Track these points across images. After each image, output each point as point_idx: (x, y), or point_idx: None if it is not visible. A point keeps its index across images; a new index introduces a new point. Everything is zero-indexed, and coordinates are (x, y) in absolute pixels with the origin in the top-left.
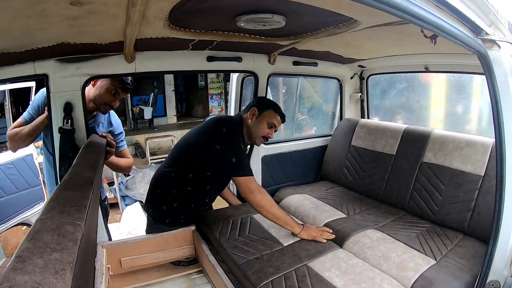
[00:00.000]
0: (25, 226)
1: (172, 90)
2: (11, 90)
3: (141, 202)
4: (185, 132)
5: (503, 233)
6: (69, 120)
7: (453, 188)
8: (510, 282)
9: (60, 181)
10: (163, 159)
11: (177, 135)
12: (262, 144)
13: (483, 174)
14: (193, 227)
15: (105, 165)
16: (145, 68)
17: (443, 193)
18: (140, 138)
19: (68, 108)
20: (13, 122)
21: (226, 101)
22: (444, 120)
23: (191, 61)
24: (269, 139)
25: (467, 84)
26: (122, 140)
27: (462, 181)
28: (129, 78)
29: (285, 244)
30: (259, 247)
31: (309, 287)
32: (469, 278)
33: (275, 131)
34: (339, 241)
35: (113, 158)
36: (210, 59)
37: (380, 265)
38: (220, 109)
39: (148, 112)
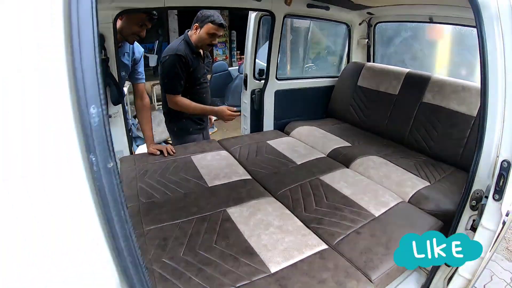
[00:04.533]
0: None
1: (177, 38)
2: None
3: None
4: None
5: (486, 143)
6: (103, 51)
7: (448, 126)
8: (489, 188)
9: None
10: None
11: None
12: (275, 80)
13: (475, 115)
14: None
15: None
16: (175, 2)
17: (439, 130)
18: (146, 85)
19: (101, 40)
20: None
21: (231, 50)
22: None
23: None
24: (213, 45)
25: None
26: (142, 73)
27: (457, 121)
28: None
29: (299, 163)
30: (276, 165)
31: (322, 194)
32: (459, 200)
33: (220, 36)
34: (346, 162)
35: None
36: None
37: (382, 182)
38: (225, 57)
39: (153, 60)
